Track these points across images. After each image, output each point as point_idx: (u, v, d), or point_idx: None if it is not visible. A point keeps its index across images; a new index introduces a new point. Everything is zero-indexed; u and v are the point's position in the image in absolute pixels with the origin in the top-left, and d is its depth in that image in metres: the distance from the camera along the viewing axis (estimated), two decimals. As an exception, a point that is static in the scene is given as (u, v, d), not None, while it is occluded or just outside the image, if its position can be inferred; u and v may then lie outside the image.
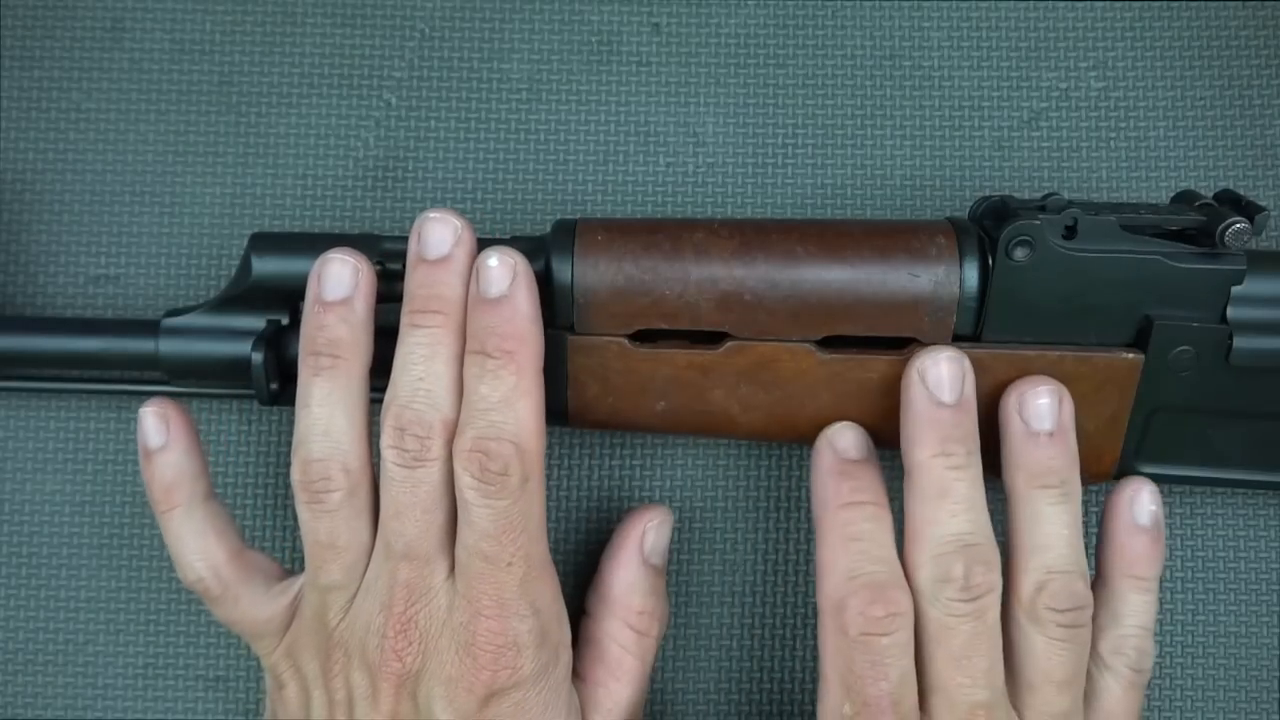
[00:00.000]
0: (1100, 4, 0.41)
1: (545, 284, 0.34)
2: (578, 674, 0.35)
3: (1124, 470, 0.36)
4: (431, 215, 0.33)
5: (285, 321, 0.35)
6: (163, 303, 0.40)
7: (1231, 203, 0.34)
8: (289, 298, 0.35)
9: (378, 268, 0.34)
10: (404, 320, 0.33)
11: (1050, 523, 0.33)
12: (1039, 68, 0.41)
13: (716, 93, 0.41)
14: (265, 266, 0.35)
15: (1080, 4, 0.41)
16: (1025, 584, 0.33)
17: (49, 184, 0.41)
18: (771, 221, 0.34)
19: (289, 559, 0.40)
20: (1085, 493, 0.39)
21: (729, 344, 0.34)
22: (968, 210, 0.36)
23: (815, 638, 0.33)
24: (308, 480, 0.32)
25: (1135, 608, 0.34)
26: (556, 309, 0.34)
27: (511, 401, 0.31)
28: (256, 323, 0.35)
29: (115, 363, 0.36)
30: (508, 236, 0.35)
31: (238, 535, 0.35)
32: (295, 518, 0.35)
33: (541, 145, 0.41)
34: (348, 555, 0.33)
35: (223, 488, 0.40)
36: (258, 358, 0.34)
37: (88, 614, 0.40)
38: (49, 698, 0.40)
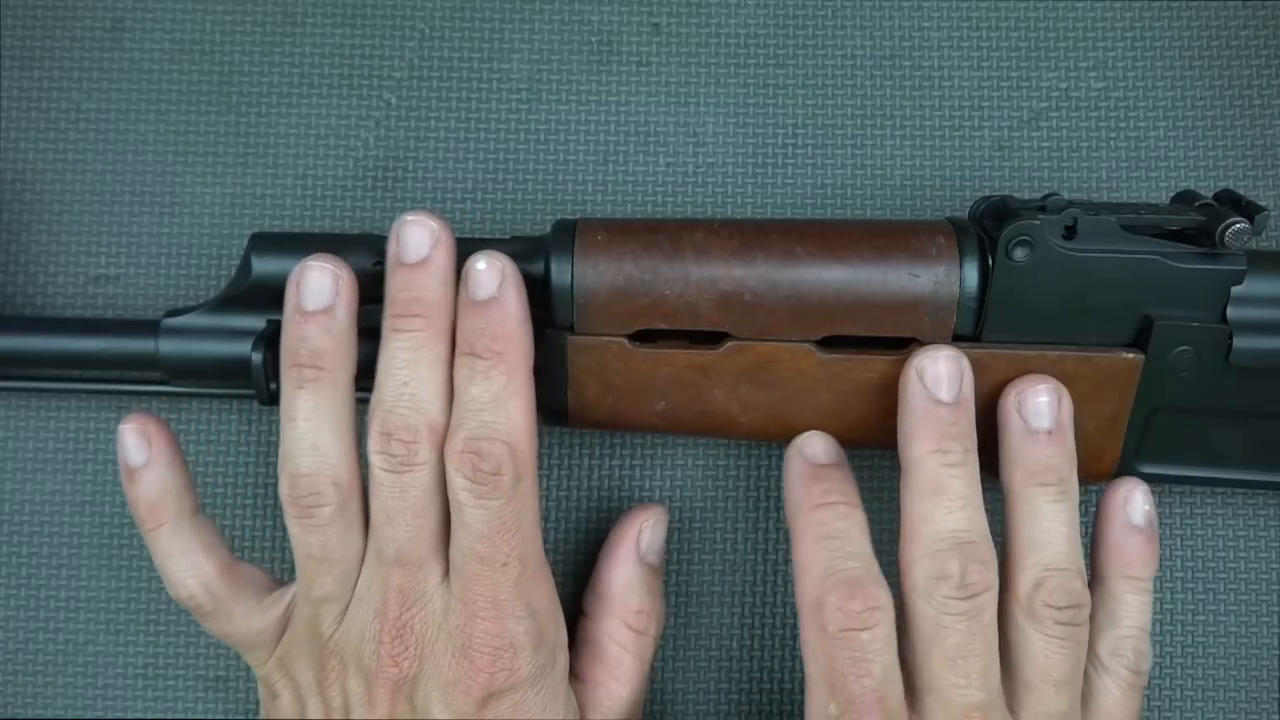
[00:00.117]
0: (1100, 4, 0.41)
1: (545, 284, 0.34)
2: (576, 674, 0.35)
3: (1124, 470, 0.36)
4: (408, 218, 0.33)
5: (285, 320, 0.36)
6: (163, 303, 0.40)
7: (1231, 203, 0.34)
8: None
9: (376, 268, 0.34)
10: (386, 325, 0.32)
11: (1048, 520, 0.33)
12: (1039, 68, 0.41)
13: (716, 93, 0.41)
14: (265, 266, 0.35)
15: (1080, 4, 0.41)
16: (1023, 582, 0.33)
17: (49, 184, 0.41)
18: (771, 221, 0.34)
19: (289, 559, 0.40)
20: (1084, 493, 0.39)
21: (729, 344, 0.34)
22: (968, 210, 0.36)
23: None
24: (296, 496, 0.32)
25: (1132, 608, 0.34)
26: (556, 309, 0.34)
27: (502, 401, 0.31)
28: (256, 323, 0.35)
29: (115, 363, 0.36)
30: (508, 236, 0.35)
31: (226, 548, 0.35)
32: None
33: (541, 145, 0.41)
34: (340, 567, 0.33)
35: (222, 488, 0.40)
36: (258, 358, 0.34)
37: (88, 614, 0.40)
38: (49, 698, 0.40)
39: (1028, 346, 0.34)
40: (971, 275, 0.33)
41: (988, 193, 0.36)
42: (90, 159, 0.41)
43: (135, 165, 0.41)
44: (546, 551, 0.34)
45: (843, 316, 0.33)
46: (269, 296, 0.35)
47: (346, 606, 0.33)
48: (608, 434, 0.40)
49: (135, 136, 0.41)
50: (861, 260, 0.33)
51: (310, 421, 0.32)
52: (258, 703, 0.40)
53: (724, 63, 0.41)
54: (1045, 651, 0.32)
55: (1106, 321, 0.33)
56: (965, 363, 0.33)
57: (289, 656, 0.34)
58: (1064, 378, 0.34)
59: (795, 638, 0.40)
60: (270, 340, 0.35)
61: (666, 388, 0.34)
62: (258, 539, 0.40)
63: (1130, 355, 0.34)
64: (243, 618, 0.34)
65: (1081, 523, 0.34)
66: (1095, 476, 0.36)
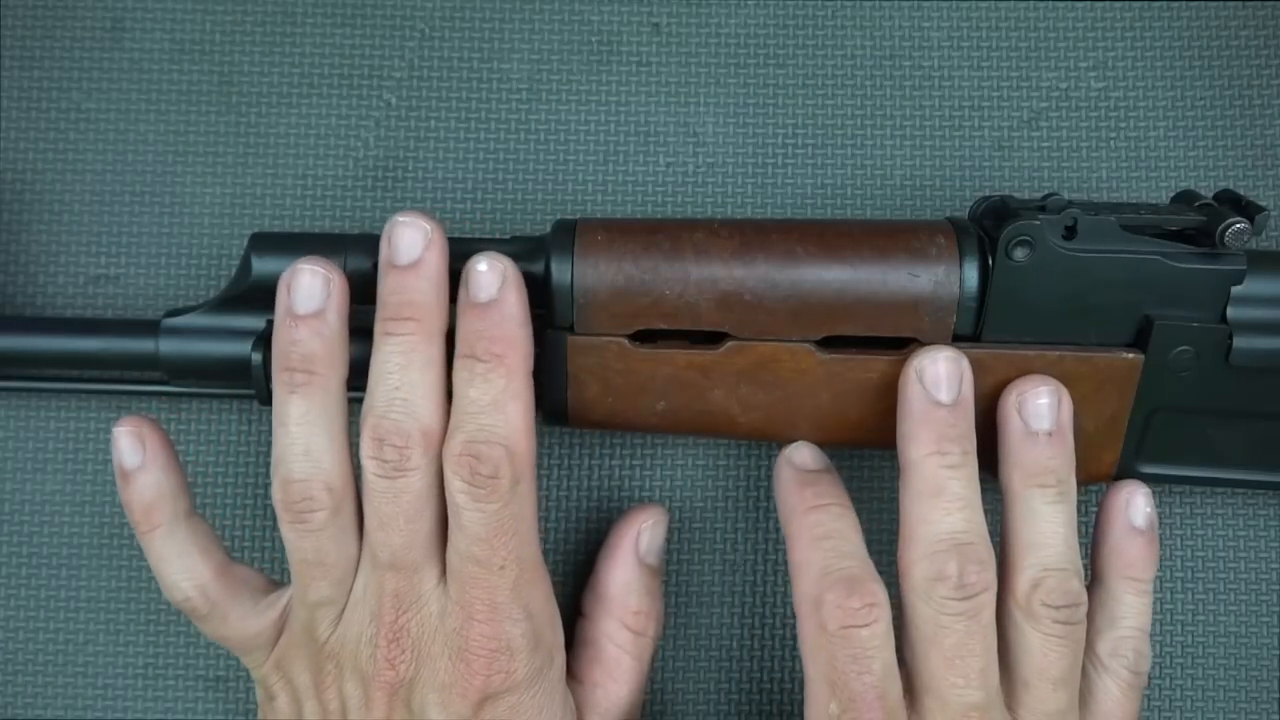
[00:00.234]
0: (1100, 4, 0.41)
1: (545, 284, 0.34)
2: (574, 675, 0.35)
3: (1124, 470, 0.36)
4: (401, 219, 0.32)
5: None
6: (163, 303, 0.40)
7: (1231, 203, 0.34)
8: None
9: (376, 269, 0.34)
10: (378, 328, 0.32)
11: (1046, 521, 0.33)
12: (1039, 68, 0.41)
13: (716, 93, 0.41)
14: (265, 266, 0.35)
15: (1080, 4, 0.41)
16: (1021, 581, 0.33)
17: (49, 184, 0.41)
18: (771, 221, 0.34)
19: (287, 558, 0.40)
20: (1083, 493, 0.39)
21: (729, 344, 0.34)
22: (968, 210, 0.36)
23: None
24: (290, 501, 0.32)
25: (1132, 609, 0.34)
26: (556, 309, 0.34)
27: (501, 404, 0.31)
28: (256, 323, 0.35)
29: (115, 363, 0.36)
30: (508, 236, 0.35)
31: (222, 550, 0.35)
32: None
33: (541, 145, 0.41)
34: (335, 571, 0.33)
35: (222, 488, 0.40)
36: (258, 358, 0.34)
37: (88, 614, 0.40)
38: (49, 698, 0.40)
39: (1028, 346, 0.34)
40: (971, 275, 0.33)
41: (988, 193, 0.36)
42: (90, 159, 0.41)
43: (135, 165, 0.41)
44: (545, 551, 0.34)
45: (843, 316, 0.33)
46: (269, 296, 0.35)
47: (342, 610, 0.33)
48: (608, 434, 0.40)
49: (135, 136, 0.41)
50: (861, 260, 0.33)
51: (302, 426, 0.32)
52: (256, 703, 0.40)
53: (724, 63, 0.41)
54: (1043, 650, 0.32)
55: (1106, 321, 0.33)
56: (965, 363, 0.33)
57: (286, 659, 0.34)
58: (1064, 378, 0.34)
59: (795, 638, 0.40)
60: (270, 340, 0.35)
61: (666, 388, 0.34)
62: (257, 539, 0.40)
63: (1130, 355, 0.34)
64: (238, 620, 0.34)
65: (1080, 522, 0.34)
66: (1095, 477, 0.36)
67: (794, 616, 0.40)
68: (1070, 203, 0.33)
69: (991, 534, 0.33)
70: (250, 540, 0.40)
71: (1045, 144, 0.41)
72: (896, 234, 0.33)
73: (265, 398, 0.35)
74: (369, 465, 0.32)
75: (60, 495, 0.40)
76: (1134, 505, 0.35)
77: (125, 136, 0.41)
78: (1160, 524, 0.40)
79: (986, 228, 0.34)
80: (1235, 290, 0.33)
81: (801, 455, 0.36)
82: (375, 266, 0.34)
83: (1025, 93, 0.41)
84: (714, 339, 0.34)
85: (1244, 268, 0.33)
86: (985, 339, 0.34)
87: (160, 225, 0.41)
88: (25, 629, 0.40)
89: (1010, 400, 0.33)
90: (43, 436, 0.40)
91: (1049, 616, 0.32)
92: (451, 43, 0.41)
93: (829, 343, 0.34)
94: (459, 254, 0.33)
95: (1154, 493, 0.40)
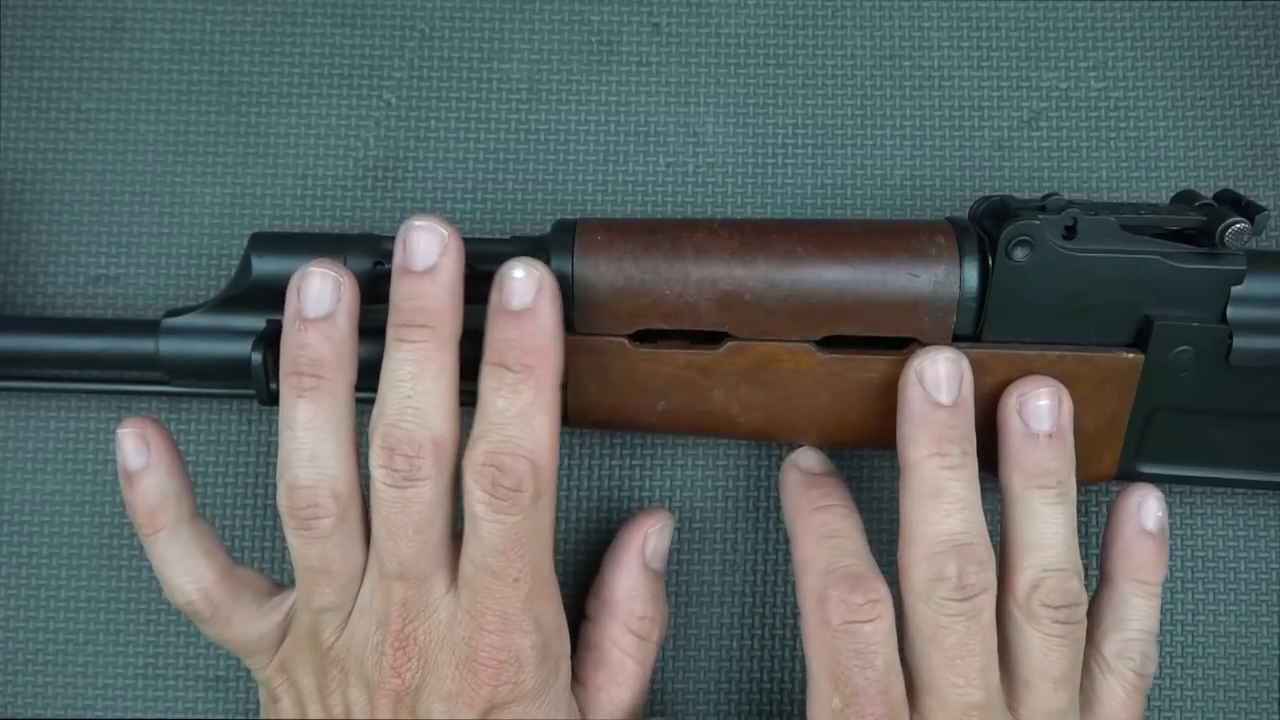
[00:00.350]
0: (1100, 4, 0.41)
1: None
2: (578, 678, 0.35)
3: (1124, 470, 0.36)
4: (417, 223, 0.32)
5: (285, 321, 0.35)
6: (163, 303, 0.40)
7: (1231, 203, 0.34)
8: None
9: (377, 268, 0.34)
10: (390, 334, 0.32)
11: (1047, 522, 0.33)
12: (1039, 68, 0.41)
13: (716, 93, 0.41)
14: (265, 266, 0.35)
15: (1080, 4, 0.41)
16: (1021, 582, 0.33)
17: (49, 184, 0.41)
18: (771, 221, 0.34)
19: (289, 559, 0.40)
20: (1085, 493, 0.39)
21: (729, 344, 0.34)
22: (968, 210, 0.36)
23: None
24: (295, 507, 0.32)
25: (1140, 612, 0.35)
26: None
27: (529, 417, 0.31)
28: (256, 323, 0.35)
29: (115, 363, 0.36)
30: (508, 236, 0.35)
31: (225, 553, 0.35)
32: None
33: (541, 145, 0.41)
34: (341, 578, 0.33)
35: (222, 488, 0.40)
36: (258, 358, 0.34)
37: (88, 614, 0.40)
38: (49, 698, 0.40)
39: (1028, 346, 0.34)
40: (971, 275, 0.33)
41: (988, 193, 0.36)
42: (90, 159, 0.41)
43: (135, 165, 0.41)
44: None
45: (843, 316, 0.33)
46: (269, 296, 0.35)
47: (348, 616, 0.33)
48: (608, 434, 0.40)
49: (135, 136, 0.41)
50: (861, 260, 0.33)
51: (309, 431, 0.32)
52: (258, 703, 0.40)
53: (724, 63, 0.41)
54: (1043, 649, 0.33)
55: (1106, 321, 0.33)
56: (965, 364, 0.33)
57: (290, 662, 0.34)
58: (1064, 378, 0.34)
59: (795, 638, 0.40)
60: (270, 340, 0.35)
61: (666, 388, 0.34)
62: (258, 539, 0.40)
63: (1130, 355, 0.34)
64: (241, 623, 0.34)
65: (1080, 522, 0.34)
66: (1095, 477, 0.36)
67: (795, 617, 0.40)
68: (1070, 203, 0.33)
69: (991, 534, 0.33)
70: (250, 541, 0.40)
71: (1045, 144, 0.41)
72: (896, 234, 0.33)
73: (265, 398, 0.35)
74: (379, 474, 0.31)
75: (60, 495, 0.40)
76: (1146, 508, 0.35)
77: (125, 136, 0.41)
78: (1161, 524, 0.40)
79: (986, 228, 0.34)
80: (1235, 290, 0.33)
81: (807, 459, 0.37)
82: (376, 266, 0.34)
83: (1025, 93, 0.41)
84: (714, 339, 0.34)
85: (1244, 268, 0.33)
86: (985, 339, 0.34)
87: (160, 225, 0.41)
88: (25, 629, 0.40)
89: (1011, 402, 0.33)
90: (43, 436, 0.40)
91: (1049, 616, 0.32)
92: (451, 43, 0.41)
93: (829, 343, 0.34)
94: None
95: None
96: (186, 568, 0.34)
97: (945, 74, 0.41)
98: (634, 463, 0.40)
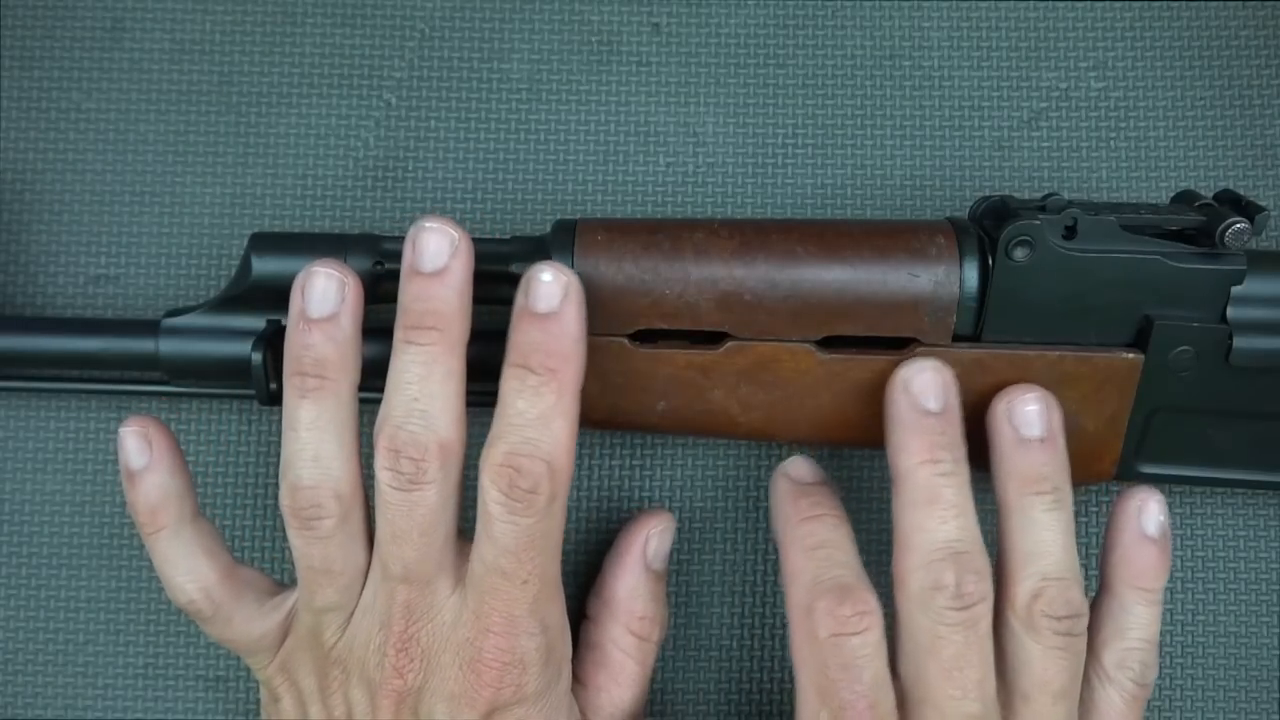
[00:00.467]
0: (1100, 4, 0.41)
1: (545, 284, 0.34)
2: (578, 678, 0.35)
3: (1124, 470, 0.36)
4: (427, 224, 0.32)
5: (285, 322, 0.35)
6: (163, 303, 0.40)
7: (1231, 203, 0.34)
8: (289, 298, 0.35)
9: (377, 268, 0.34)
10: (398, 335, 0.32)
11: (1044, 529, 0.32)
12: (1039, 68, 0.41)
13: (716, 93, 0.41)
14: (265, 266, 0.35)
15: (1080, 4, 0.41)
16: (1020, 592, 0.32)
17: (49, 184, 0.41)
18: (771, 221, 0.34)
19: (290, 560, 0.40)
20: (1084, 493, 0.39)
21: (729, 344, 0.34)
22: (968, 210, 0.36)
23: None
24: (297, 507, 0.32)
25: (1141, 620, 0.34)
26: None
27: (549, 420, 0.31)
28: (256, 323, 0.35)
29: (115, 363, 0.36)
30: (508, 236, 0.35)
31: (227, 553, 0.35)
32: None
33: (541, 145, 0.41)
34: (342, 579, 0.32)
35: (222, 488, 0.40)
36: (258, 358, 0.34)
37: (88, 614, 0.40)
38: (49, 698, 0.40)
39: (1028, 346, 0.34)
40: (971, 275, 0.33)
41: (988, 193, 0.36)
42: (90, 159, 0.41)
43: (135, 165, 0.41)
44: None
45: (843, 316, 0.33)
46: (269, 296, 0.35)
47: (350, 616, 0.33)
48: (608, 434, 0.40)
49: (135, 136, 0.41)
50: (861, 260, 0.33)
51: (312, 432, 0.31)
52: (258, 703, 0.40)
53: (724, 63, 0.41)
54: (1044, 662, 0.32)
55: (1106, 321, 0.33)
56: (950, 374, 0.33)
57: (291, 662, 0.34)
58: (1064, 378, 0.34)
59: (795, 638, 0.40)
60: (270, 340, 0.35)
61: (666, 387, 0.34)
62: (258, 539, 0.40)
63: (1130, 355, 0.34)
64: (243, 623, 0.34)
65: (1081, 522, 0.34)
66: (1095, 477, 0.36)
67: (794, 616, 0.40)
68: (1070, 203, 0.33)
69: (987, 545, 0.33)
70: (250, 540, 0.40)
71: (1045, 144, 0.41)
72: (896, 234, 0.33)
73: (265, 398, 0.35)
74: (383, 476, 0.31)
75: (60, 495, 0.40)
76: (1147, 512, 0.34)
77: (125, 136, 0.41)
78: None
79: (986, 228, 0.34)
80: (1235, 290, 0.33)
81: (798, 468, 0.36)
82: (376, 266, 0.34)
83: (1025, 93, 0.41)
84: (714, 339, 0.34)
85: (1244, 268, 0.33)
86: (985, 339, 0.34)
87: (160, 225, 0.41)
88: (25, 629, 0.40)
89: (999, 410, 0.33)
90: (43, 436, 0.40)
91: (1050, 628, 0.32)
92: (451, 43, 0.41)
93: (829, 343, 0.34)
94: None
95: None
96: (188, 567, 0.34)
97: (945, 74, 0.41)
98: (634, 463, 0.40)
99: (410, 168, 0.41)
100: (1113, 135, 0.41)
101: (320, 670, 0.33)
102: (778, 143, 0.41)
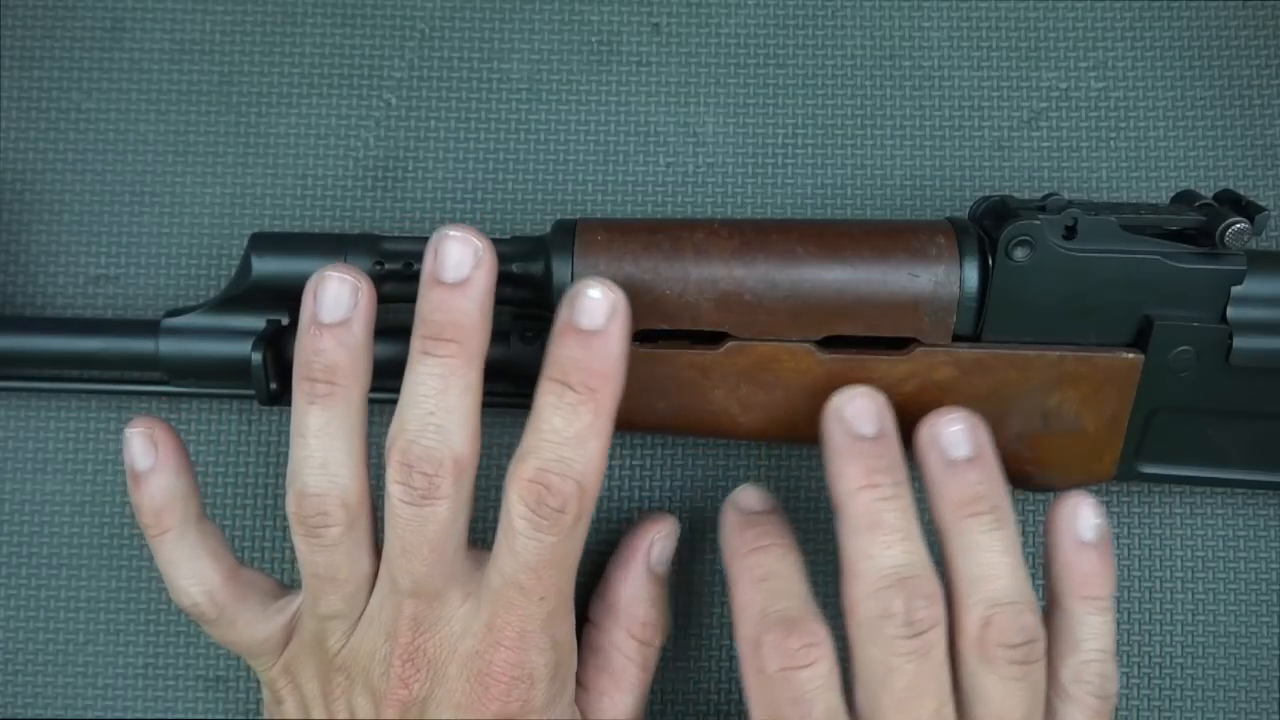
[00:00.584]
0: (1100, 4, 0.41)
1: (545, 284, 0.34)
2: (580, 682, 0.35)
3: (1124, 470, 0.36)
4: (451, 233, 0.31)
5: (285, 321, 0.35)
6: (163, 303, 0.40)
7: (1231, 203, 0.34)
8: (289, 298, 0.35)
9: (377, 268, 0.34)
10: (415, 345, 0.31)
11: (986, 552, 0.31)
12: (1039, 68, 0.41)
13: (716, 93, 0.41)
14: (265, 266, 0.35)
15: (1080, 4, 0.41)
16: (970, 620, 0.31)
17: (49, 184, 0.41)
18: (771, 221, 0.34)
19: (291, 559, 0.40)
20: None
21: (729, 344, 0.34)
22: (968, 210, 0.36)
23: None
24: (304, 514, 0.31)
25: (1093, 630, 0.32)
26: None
27: (584, 440, 0.30)
28: (256, 323, 0.35)
29: (115, 363, 0.36)
30: (508, 236, 0.35)
31: (232, 555, 0.35)
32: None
33: (541, 145, 0.41)
34: (348, 587, 0.32)
35: (223, 488, 0.40)
36: (258, 358, 0.34)
37: (88, 614, 0.40)
38: (49, 698, 0.40)
39: (1028, 346, 0.34)
40: (971, 275, 0.33)
41: (988, 193, 0.36)
42: (90, 159, 0.41)
43: (135, 165, 0.41)
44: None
45: (843, 316, 0.33)
46: (269, 296, 0.35)
47: (355, 624, 0.33)
48: (608, 434, 0.40)
49: (135, 136, 0.41)
50: (861, 260, 0.33)
51: (321, 439, 0.31)
52: (258, 703, 0.40)
53: (724, 63, 0.41)
54: (1002, 695, 0.31)
55: (1106, 321, 0.33)
56: (883, 399, 0.33)
57: (294, 665, 0.34)
58: (1064, 378, 0.34)
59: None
60: (270, 340, 0.35)
61: (666, 388, 0.34)
62: (258, 540, 0.40)
63: (1130, 355, 0.34)
64: (247, 626, 0.34)
65: (1029, 533, 0.33)
66: (1096, 477, 0.36)
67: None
68: (1070, 203, 0.33)
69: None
70: (250, 541, 0.40)
71: (1045, 144, 0.41)
72: (896, 234, 0.33)
73: (265, 398, 0.35)
74: (395, 490, 0.31)
75: (60, 495, 0.40)
76: (1081, 518, 0.33)
77: (125, 136, 0.41)
78: (1160, 524, 0.40)
79: (986, 228, 0.34)
80: (1235, 290, 0.33)
81: (747, 498, 0.35)
82: (376, 266, 0.34)
83: (1025, 93, 0.41)
84: (714, 339, 0.34)
85: (1244, 268, 0.33)
86: (985, 339, 0.34)
87: (160, 225, 0.41)
88: (25, 629, 0.40)
89: (924, 437, 0.33)
90: (43, 436, 0.40)
91: (1005, 657, 0.31)
92: (451, 43, 0.41)
93: (829, 343, 0.34)
94: None
95: (1153, 492, 0.40)
96: (192, 569, 0.34)
97: (945, 74, 0.41)
98: (634, 463, 0.40)
99: (410, 168, 0.41)
100: (1113, 135, 0.41)
101: (324, 675, 0.33)
102: (778, 143, 0.41)
